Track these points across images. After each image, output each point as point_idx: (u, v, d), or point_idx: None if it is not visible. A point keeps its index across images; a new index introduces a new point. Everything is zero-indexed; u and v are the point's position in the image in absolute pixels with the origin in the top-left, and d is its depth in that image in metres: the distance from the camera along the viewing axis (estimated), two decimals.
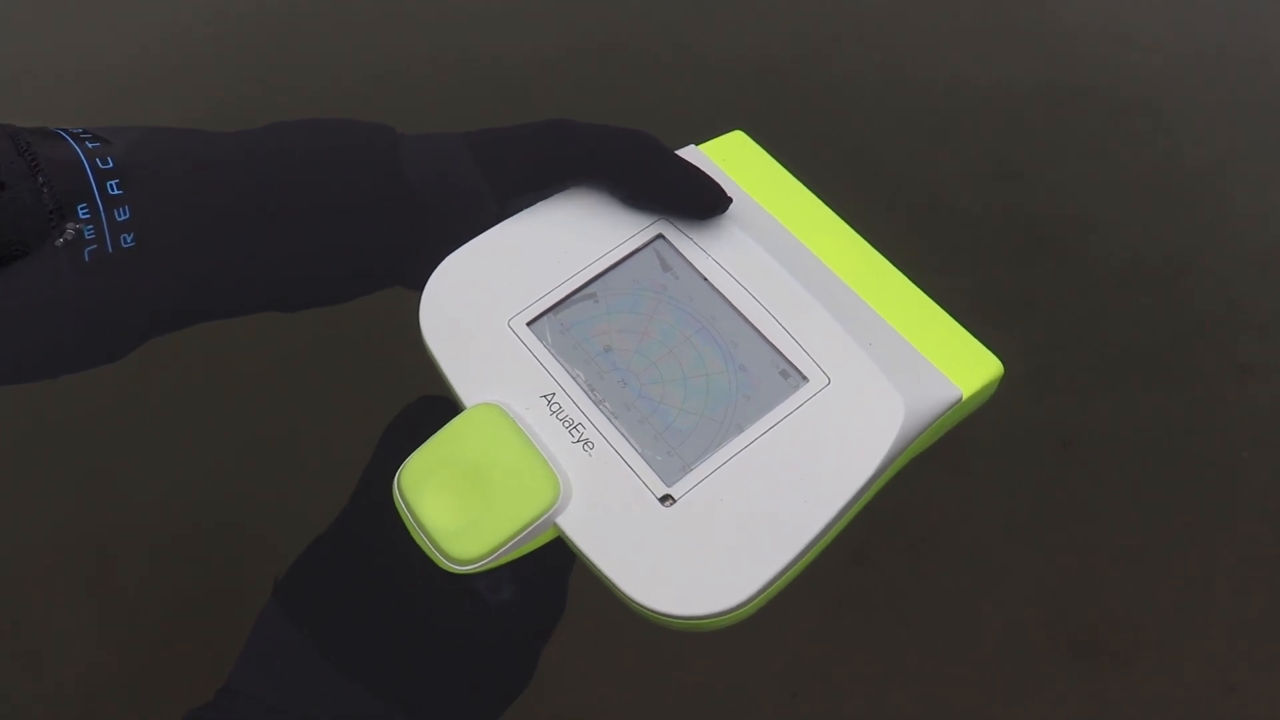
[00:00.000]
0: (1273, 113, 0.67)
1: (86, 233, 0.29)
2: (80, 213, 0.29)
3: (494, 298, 0.33)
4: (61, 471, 0.56)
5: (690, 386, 0.32)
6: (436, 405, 0.32)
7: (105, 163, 0.30)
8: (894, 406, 0.31)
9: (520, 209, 0.35)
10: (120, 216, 0.29)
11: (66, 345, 0.30)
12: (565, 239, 0.34)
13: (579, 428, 0.31)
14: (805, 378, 0.31)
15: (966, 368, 0.33)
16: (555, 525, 0.30)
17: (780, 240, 0.35)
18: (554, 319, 0.33)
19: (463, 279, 0.34)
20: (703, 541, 0.29)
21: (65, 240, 0.29)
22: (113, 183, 0.30)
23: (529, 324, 0.33)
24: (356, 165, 0.33)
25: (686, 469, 0.30)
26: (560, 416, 0.31)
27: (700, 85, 0.67)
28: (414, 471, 0.29)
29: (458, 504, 0.29)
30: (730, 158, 0.37)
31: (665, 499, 0.30)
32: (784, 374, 0.31)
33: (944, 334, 0.34)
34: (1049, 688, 0.50)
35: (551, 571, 0.31)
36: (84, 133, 0.30)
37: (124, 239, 0.30)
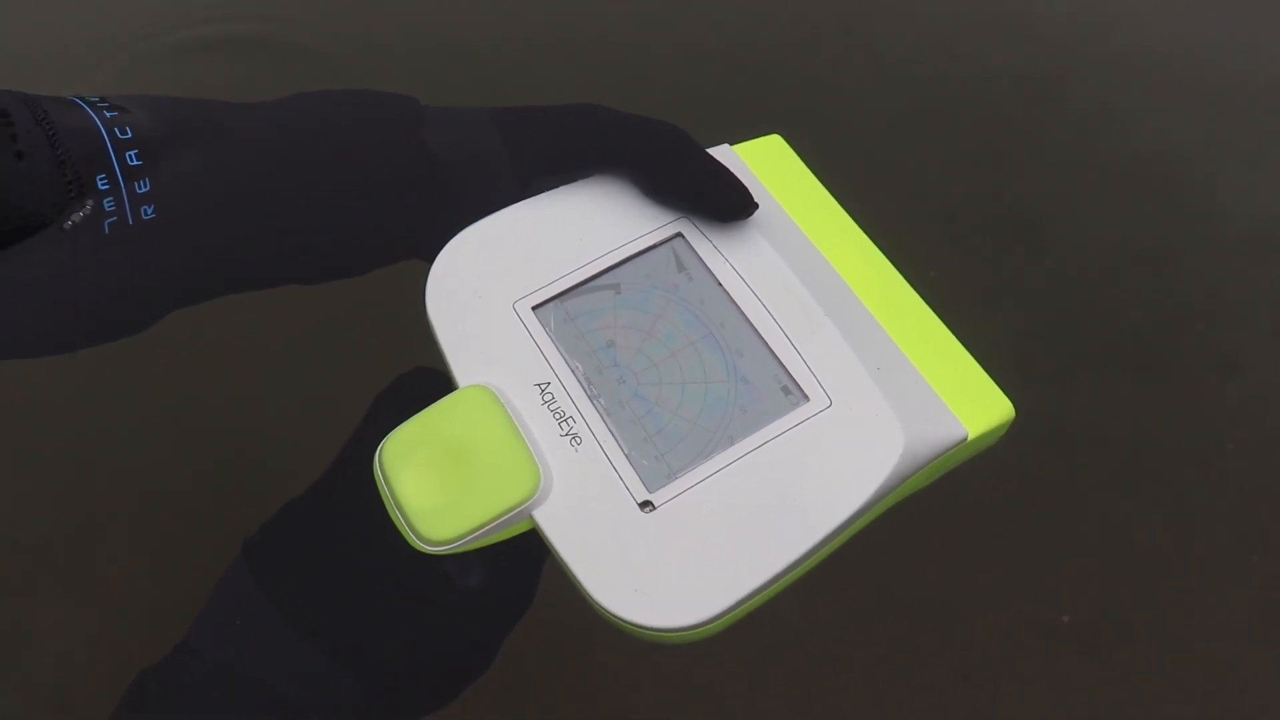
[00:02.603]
0: (1255, 100, 0.65)
1: (106, 204, 0.29)
2: (99, 184, 0.29)
3: (503, 277, 0.33)
4: (37, 457, 0.55)
5: (688, 392, 0.31)
6: (430, 378, 0.32)
7: (124, 133, 0.29)
8: (894, 438, 0.29)
9: (542, 190, 0.34)
10: (140, 188, 0.29)
11: (85, 318, 0.30)
12: (583, 226, 0.33)
13: (569, 421, 0.30)
14: (806, 396, 0.30)
15: (976, 407, 0.32)
16: (531, 518, 0.29)
17: (802, 253, 0.34)
18: (560, 306, 0.32)
19: (474, 255, 0.33)
20: (675, 553, 0.28)
21: (84, 212, 0.28)
22: (132, 153, 0.29)
23: (534, 308, 0.32)
24: (381, 138, 0.33)
25: (671, 476, 0.29)
26: (552, 407, 0.30)
27: (678, 75, 0.66)
28: (396, 446, 0.29)
29: (436, 484, 0.29)
30: (763, 162, 0.36)
31: (645, 505, 0.29)
32: (785, 390, 0.30)
33: (959, 370, 0.32)
34: (1035, 679, 0.49)
35: (523, 563, 0.31)
36: (101, 101, 0.30)
37: (144, 211, 0.29)
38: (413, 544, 0.28)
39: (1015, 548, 0.51)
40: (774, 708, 0.49)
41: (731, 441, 0.30)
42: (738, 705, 0.49)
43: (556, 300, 0.32)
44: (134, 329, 0.32)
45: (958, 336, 0.33)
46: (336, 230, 0.32)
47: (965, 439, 0.31)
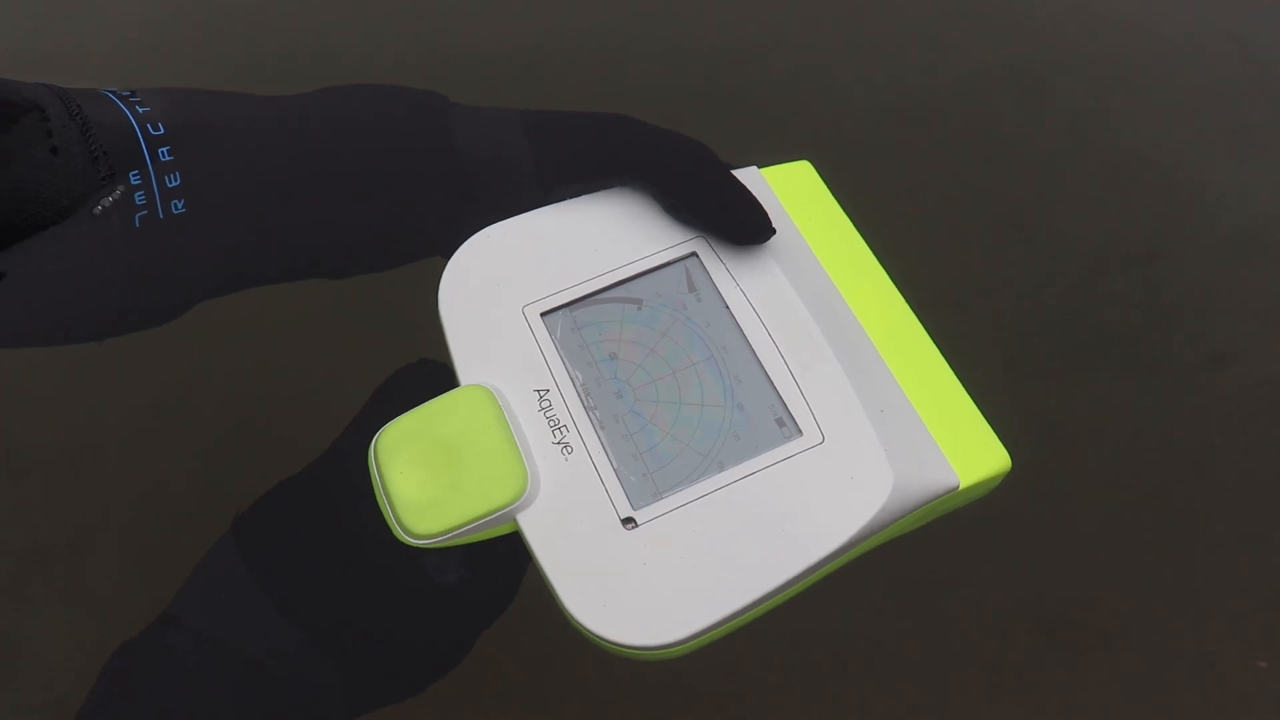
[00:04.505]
0: (1245, 95, 0.65)
1: (137, 199, 0.29)
2: (132, 179, 0.29)
3: (516, 280, 0.33)
4: (29, 460, 0.55)
5: (683, 413, 0.31)
6: (433, 372, 0.32)
7: (156, 128, 0.30)
8: (882, 481, 0.29)
9: (565, 198, 0.34)
10: (171, 183, 0.30)
11: (113, 309, 0.31)
12: (600, 237, 0.34)
13: (562, 429, 0.30)
14: (800, 431, 0.30)
15: (972, 456, 0.31)
16: (514, 521, 0.29)
17: (816, 284, 0.33)
18: (568, 315, 0.32)
19: (490, 256, 0.33)
20: (651, 572, 0.28)
21: (117, 206, 0.29)
22: (164, 149, 0.30)
23: (543, 315, 0.32)
24: (409, 137, 0.33)
25: (657, 495, 0.29)
26: (548, 414, 0.31)
27: (664, 75, 0.65)
28: (391, 437, 0.30)
29: (425, 478, 0.29)
30: (789, 188, 0.36)
31: (627, 521, 0.29)
32: (780, 422, 0.30)
33: (960, 417, 0.32)
34: (1028, 674, 0.49)
35: (505, 565, 0.31)
36: (133, 95, 0.30)
37: (174, 205, 0.30)
38: (397, 535, 0.29)
39: (1006, 540, 0.51)
40: (747, 703, 0.50)
41: (721, 467, 0.30)
42: (728, 705, 0.50)
43: (566, 309, 0.33)
44: (160, 320, 0.32)
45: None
46: (364, 227, 0.33)
47: (956, 487, 0.31)
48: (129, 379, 0.55)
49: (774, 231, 0.33)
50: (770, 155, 0.37)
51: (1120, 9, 0.68)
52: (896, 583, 0.50)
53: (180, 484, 0.53)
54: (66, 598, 0.51)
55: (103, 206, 0.29)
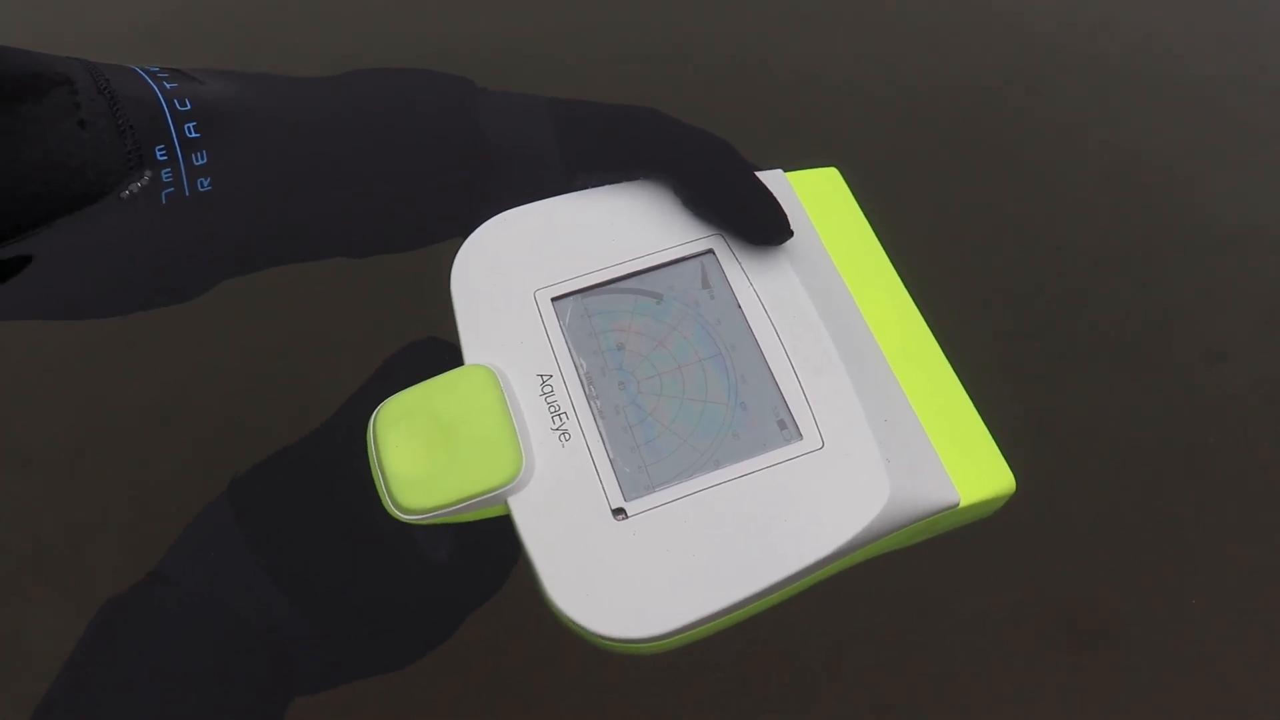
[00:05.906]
0: (1239, 95, 0.65)
1: (164, 175, 0.29)
2: (158, 154, 0.29)
3: (530, 265, 0.33)
4: (28, 457, 0.55)
5: (685, 408, 0.31)
6: (441, 349, 0.32)
7: (183, 104, 0.30)
8: (879, 491, 0.29)
9: (586, 186, 0.34)
10: (198, 161, 0.30)
11: (140, 285, 0.31)
12: (618, 227, 0.34)
13: (562, 416, 0.31)
14: (800, 434, 0.30)
15: (975, 475, 0.31)
16: (505, 503, 0.29)
17: (831, 290, 0.33)
18: (579, 302, 0.32)
19: (507, 239, 0.33)
20: (637, 565, 0.28)
21: (142, 183, 0.29)
22: (190, 125, 0.30)
23: (554, 300, 0.32)
24: (435, 124, 0.33)
25: (650, 488, 0.29)
26: (549, 400, 0.31)
27: (655, 78, 0.66)
28: (391, 412, 0.30)
29: (421, 454, 0.29)
30: (814, 192, 0.35)
31: (618, 512, 0.29)
32: (781, 424, 0.30)
33: (966, 434, 0.32)
34: (1028, 674, 0.49)
35: (496, 548, 0.31)
36: (161, 71, 0.30)
37: (200, 183, 0.30)
38: (388, 509, 0.29)
39: (1006, 542, 0.51)
40: (747, 700, 0.50)
41: (717, 465, 0.30)
42: (725, 704, 0.49)
43: (577, 295, 0.33)
44: (185, 296, 0.33)
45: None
46: (388, 209, 0.33)
47: (956, 505, 0.30)
48: (128, 378, 0.55)
49: (791, 234, 0.32)
50: (766, 156, 0.36)
51: (1115, 12, 0.68)
52: (895, 583, 0.50)
53: (180, 484, 0.53)
54: (66, 595, 0.51)
55: (130, 192, 0.29)
